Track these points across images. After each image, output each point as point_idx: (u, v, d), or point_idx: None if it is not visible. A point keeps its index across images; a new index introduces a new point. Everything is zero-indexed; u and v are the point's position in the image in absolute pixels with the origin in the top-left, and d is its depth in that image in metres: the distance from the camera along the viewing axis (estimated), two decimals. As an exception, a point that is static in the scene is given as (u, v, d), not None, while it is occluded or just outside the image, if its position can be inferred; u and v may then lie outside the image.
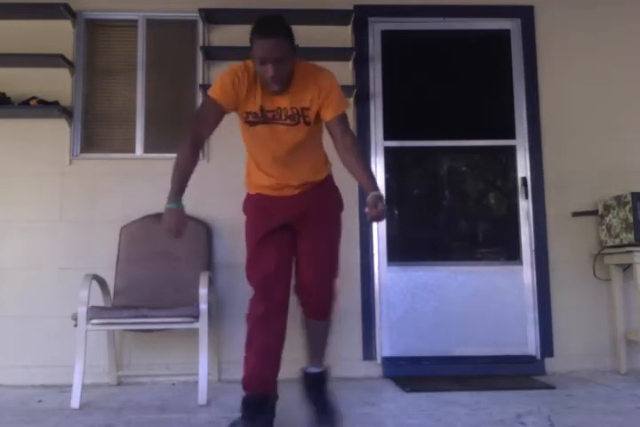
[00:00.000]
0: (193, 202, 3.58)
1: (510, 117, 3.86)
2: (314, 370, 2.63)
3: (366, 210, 2.17)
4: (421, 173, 3.98)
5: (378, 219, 2.18)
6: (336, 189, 2.65)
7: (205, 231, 3.55)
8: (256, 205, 2.56)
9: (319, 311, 2.52)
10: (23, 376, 3.44)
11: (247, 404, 2.35)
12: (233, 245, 3.60)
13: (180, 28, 3.84)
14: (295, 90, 2.38)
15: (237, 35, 3.78)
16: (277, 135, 2.41)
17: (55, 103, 3.62)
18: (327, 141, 2.53)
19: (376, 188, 2.27)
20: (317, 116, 2.43)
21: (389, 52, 3.90)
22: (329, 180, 2.63)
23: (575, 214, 3.72)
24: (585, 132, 3.82)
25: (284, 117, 2.39)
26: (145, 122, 3.73)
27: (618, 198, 3.50)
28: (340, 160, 2.44)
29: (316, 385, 2.62)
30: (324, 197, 2.57)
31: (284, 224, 2.51)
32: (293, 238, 2.53)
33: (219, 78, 2.41)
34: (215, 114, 2.41)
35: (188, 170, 2.49)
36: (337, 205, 2.62)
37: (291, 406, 2.83)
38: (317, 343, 2.61)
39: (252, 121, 2.41)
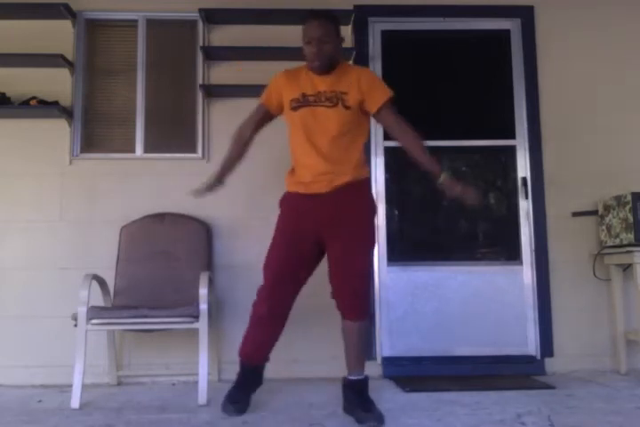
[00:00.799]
0: (193, 202, 3.61)
1: (510, 117, 3.86)
2: (355, 377, 2.71)
3: (454, 193, 2.57)
4: (421, 173, 3.95)
5: (470, 199, 2.58)
6: (369, 194, 2.76)
7: (205, 231, 3.55)
8: (290, 202, 2.73)
9: (352, 312, 2.65)
10: (23, 376, 3.44)
11: (241, 368, 2.78)
12: (233, 246, 3.60)
13: (180, 28, 3.84)
14: (336, 76, 2.66)
15: (237, 35, 3.79)
16: (318, 117, 2.63)
17: (55, 103, 3.62)
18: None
19: (442, 170, 2.60)
20: (359, 104, 2.64)
21: (389, 52, 3.90)
22: (365, 183, 2.75)
23: (575, 214, 3.73)
24: (585, 132, 3.82)
25: (323, 99, 2.63)
26: (145, 122, 3.73)
27: (618, 198, 3.50)
28: (400, 143, 2.72)
29: (357, 392, 2.68)
30: (357, 198, 2.68)
31: (311, 229, 2.64)
32: (319, 247, 2.69)
33: (268, 85, 2.81)
34: (262, 114, 2.81)
35: (238, 151, 2.83)
36: (370, 208, 2.73)
37: (291, 405, 2.84)
38: (354, 348, 2.70)
39: (295, 106, 2.67)
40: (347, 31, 3.82)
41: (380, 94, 2.66)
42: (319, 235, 2.65)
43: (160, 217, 3.58)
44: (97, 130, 3.75)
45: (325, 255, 2.72)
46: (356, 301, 2.64)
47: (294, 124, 2.69)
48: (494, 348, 3.64)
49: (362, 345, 2.74)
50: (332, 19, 2.69)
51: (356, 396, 2.67)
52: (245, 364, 2.79)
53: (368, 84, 2.65)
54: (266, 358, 2.81)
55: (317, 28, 2.62)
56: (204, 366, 2.91)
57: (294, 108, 2.66)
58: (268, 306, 2.66)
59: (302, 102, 2.65)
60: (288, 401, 2.93)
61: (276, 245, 2.70)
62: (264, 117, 2.82)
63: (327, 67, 2.65)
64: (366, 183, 2.76)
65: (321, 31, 2.61)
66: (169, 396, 3.11)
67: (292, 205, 2.71)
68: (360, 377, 2.71)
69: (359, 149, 2.70)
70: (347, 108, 2.62)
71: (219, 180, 2.82)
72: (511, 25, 3.92)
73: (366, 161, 2.76)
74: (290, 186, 2.74)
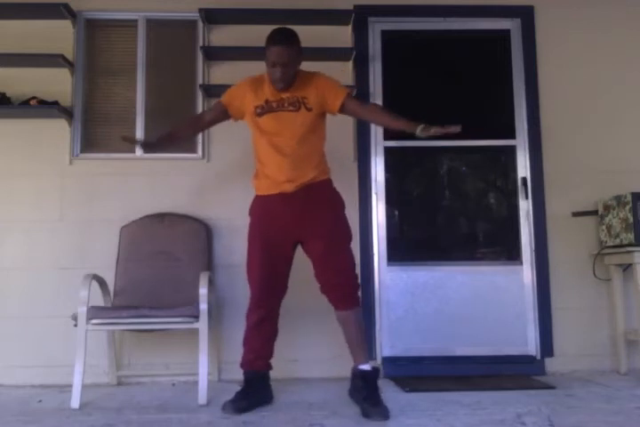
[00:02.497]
0: (193, 202, 3.62)
1: (510, 117, 3.86)
2: (363, 367, 2.78)
3: (442, 130, 2.64)
4: (421, 173, 3.98)
5: (448, 129, 2.63)
6: (335, 190, 2.90)
7: (205, 231, 3.55)
8: (261, 207, 2.86)
9: (344, 303, 2.78)
10: (23, 376, 3.44)
11: (245, 379, 2.86)
12: (233, 246, 3.60)
13: (179, 28, 3.83)
14: (296, 86, 2.81)
15: (237, 35, 3.79)
16: (282, 121, 2.78)
17: (55, 103, 3.62)
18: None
19: (416, 124, 2.69)
20: (320, 107, 2.81)
21: (389, 52, 3.90)
22: (327, 182, 2.89)
23: (575, 214, 3.72)
24: (585, 133, 3.82)
25: (286, 104, 2.79)
26: (145, 122, 3.73)
27: (618, 198, 3.50)
28: (373, 122, 2.97)
29: (366, 382, 2.74)
30: (324, 196, 2.84)
31: (287, 231, 2.79)
32: (295, 246, 2.85)
33: (230, 87, 2.93)
34: (217, 112, 2.97)
35: (178, 130, 3.01)
36: (339, 204, 2.88)
37: (291, 405, 2.84)
38: (355, 337, 2.80)
39: (259, 112, 2.81)
40: (347, 31, 3.82)
41: (338, 92, 2.83)
42: (295, 235, 2.81)
43: (160, 217, 3.58)
44: (97, 130, 3.75)
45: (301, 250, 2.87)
46: (346, 291, 2.78)
47: (259, 129, 2.83)
48: (494, 348, 3.64)
49: (362, 333, 2.83)
50: (293, 40, 2.77)
51: (365, 387, 2.72)
52: (249, 373, 2.85)
53: (324, 87, 2.83)
54: (268, 365, 2.88)
55: (282, 54, 2.70)
56: (204, 366, 2.91)
57: (259, 115, 2.81)
58: (262, 313, 2.82)
59: (266, 109, 2.80)
60: (288, 401, 2.93)
61: (255, 252, 2.84)
62: (219, 115, 2.97)
63: (289, 84, 2.79)
64: (329, 183, 2.90)
65: (286, 56, 2.71)
66: (169, 396, 3.11)
67: (263, 209, 2.85)
68: (369, 368, 2.78)
69: (319, 151, 2.88)
70: (309, 110, 2.79)
71: (151, 143, 2.99)
72: (511, 25, 3.92)
73: (327, 165, 2.92)
74: (258, 189, 2.89)
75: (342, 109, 2.84)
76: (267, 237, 2.82)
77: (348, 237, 2.86)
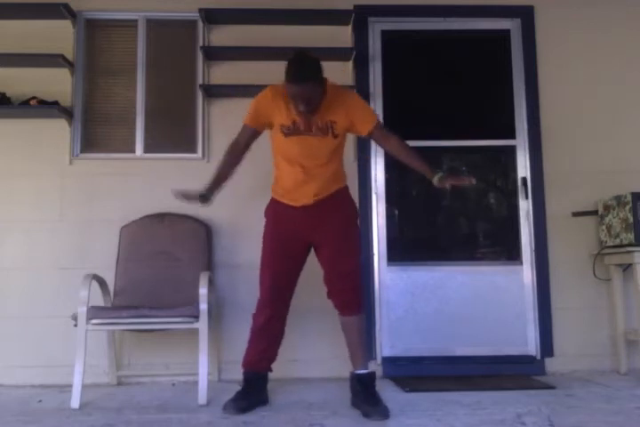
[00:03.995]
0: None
1: (510, 117, 3.86)
2: (360, 371, 2.80)
3: (451, 183, 2.65)
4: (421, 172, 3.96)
5: (464, 180, 2.65)
6: (350, 198, 2.93)
7: (205, 231, 3.55)
8: (277, 211, 2.87)
9: (348, 309, 2.80)
10: (23, 376, 3.44)
11: (245, 379, 2.85)
12: (233, 246, 3.60)
13: (179, 28, 3.83)
14: (325, 108, 2.69)
15: (237, 35, 3.80)
16: (308, 146, 2.72)
17: (55, 103, 3.62)
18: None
19: (435, 170, 2.72)
20: (345, 130, 2.77)
21: (389, 52, 3.90)
22: (344, 190, 2.90)
23: (575, 214, 3.72)
24: (585, 132, 3.82)
25: (314, 129, 2.71)
26: (145, 122, 3.73)
27: (618, 198, 3.50)
28: (394, 156, 2.87)
29: (364, 386, 2.77)
30: (340, 204, 2.86)
31: (299, 235, 2.81)
32: (308, 250, 2.87)
33: (252, 103, 2.80)
34: (248, 136, 2.85)
35: (225, 170, 2.89)
36: (353, 212, 2.91)
37: (291, 405, 2.84)
38: (355, 343, 2.82)
39: (286, 133, 2.73)
40: (347, 31, 3.82)
41: (369, 120, 2.78)
42: (308, 240, 2.83)
43: (160, 217, 3.58)
44: (97, 130, 3.75)
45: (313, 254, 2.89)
46: (350, 298, 2.79)
47: (283, 148, 2.78)
48: (494, 348, 3.64)
49: (363, 339, 2.85)
50: (315, 76, 2.57)
51: (363, 390, 2.75)
52: (249, 373, 2.85)
53: (356, 111, 2.75)
54: (269, 367, 2.88)
55: (304, 92, 2.56)
56: (204, 366, 2.91)
57: (285, 135, 2.73)
58: (268, 314, 2.81)
59: (293, 130, 2.72)
60: (288, 401, 2.93)
61: (269, 255, 2.84)
62: (251, 137, 2.86)
63: (317, 108, 2.68)
64: (346, 190, 2.91)
65: (308, 94, 2.58)
66: (169, 396, 3.11)
67: (279, 212, 2.86)
68: (366, 371, 2.80)
69: (340, 164, 2.88)
70: (335, 136, 2.74)
71: (207, 195, 2.82)
72: (511, 25, 3.92)
73: (344, 172, 2.93)
74: (275, 194, 2.89)
75: (367, 136, 2.84)
76: (279, 239, 2.83)
77: (358, 244, 2.87)
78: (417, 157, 2.79)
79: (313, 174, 2.76)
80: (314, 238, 2.82)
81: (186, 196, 2.77)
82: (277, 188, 2.88)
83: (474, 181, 2.66)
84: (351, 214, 2.90)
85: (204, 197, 2.80)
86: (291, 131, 2.72)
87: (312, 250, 2.90)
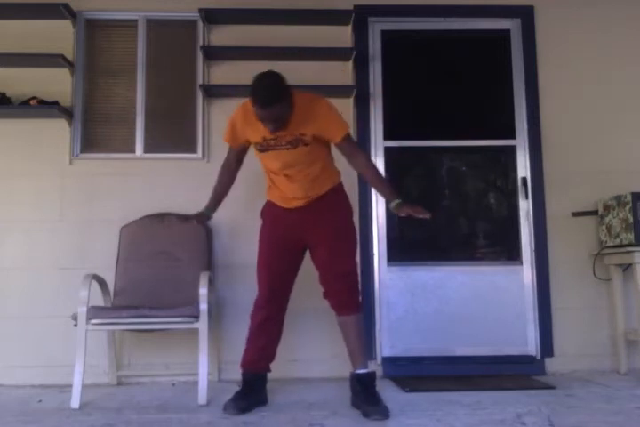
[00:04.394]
0: (193, 202, 3.60)
1: (510, 117, 3.86)
2: (360, 371, 2.80)
3: (405, 214, 2.68)
4: (421, 173, 3.97)
5: (420, 213, 2.66)
6: (344, 196, 2.93)
7: (205, 231, 3.55)
8: (272, 212, 2.91)
9: (345, 309, 2.80)
10: (23, 376, 3.44)
11: (244, 379, 2.86)
12: (233, 246, 3.60)
13: (179, 28, 3.83)
14: (293, 122, 2.68)
15: (237, 35, 3.80)
16: (283, 158, 2.75)
17: (55, 103, 3.62)
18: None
19: (396, 196, 2.73)
20: (316, 138, 2.73)
21: (389, 52, 3.90)
22: (338, 188, 2.90)
23: (575, 214, 3.72)
24: (585, 133, 3.82)
25: (284, 143, 2.72)
26: (145, 122, 3.73)
27: (618, 198, 3.50)
28: (358, 174, 2.91)
29: (363, 386, 2.76)
30: (334, 203, 2.86)
31: (294, 235, 2.83)
32: (304, 250, 2.88)
33: (227, 123, 2.87)
34: (235, 154, 2.95)
35: (220, 189, 3.00)
36: (347, 210, 2.91)
37: (291, 405, 2.84)
38: (353, 343, 2.82)
39: (260, 149, 2.78)
40: (347, 31, 3.82)
41: (337, 132, 2.75)
42: (303, 240, 2.84)
43: (160, 217, 3.58)
44: (97, 130, 3.75)
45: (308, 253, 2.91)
46: (346, 298, 2.79)
47: (263, 161, 2.85)
48: (494, 348, 3.64)
49: (361, 338, 2.84)
50: (281, 98, 2.56)
51: (363, 390, 2.74)
52: (248, 374, 2.86)
53: (324, 123, 2.71)
54: (268, 367, 2.89)
55: (271, 114, 2.58)
56: (204, 366, 2.91)
57: (260, 150, 2.79)
58: (266, 313, 2.83)
59: (265, 146, 2.76)
60: (288, 401, 2.93)
61: (265, 255, 2.87)
62: (239, 154, 2.94)
63: (285, 126, 2.67)
64: (339, 187, 2.91)
65: (275, 115, 2.59)
66: (169, 396, 3.11)
67: (274, 214, 2.89)
68: (365, 371, 2.80)
69: (327, 165, 2.86)
70: (306, 145, 2.73)
71: (206, 214, 2.95)
72: (511, 25, 3.92)
73: (335, 169, 2.93)
74: (269, 196, 2.94)
75: (335, 145, 2.81)
76: (275, 241, 2.85)
77: (353, 244, 2.88)
78: (380, 178, 2.81)
79: (299, 179, 2.78)
80: (308, 239, 2.83)
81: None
82: (270, 192, 2.92)
83: (428, 216, 2.68)
84: (345, 213, 2.90)
85: (203, 216, 2.92)
86: (264, 147, 2.76)
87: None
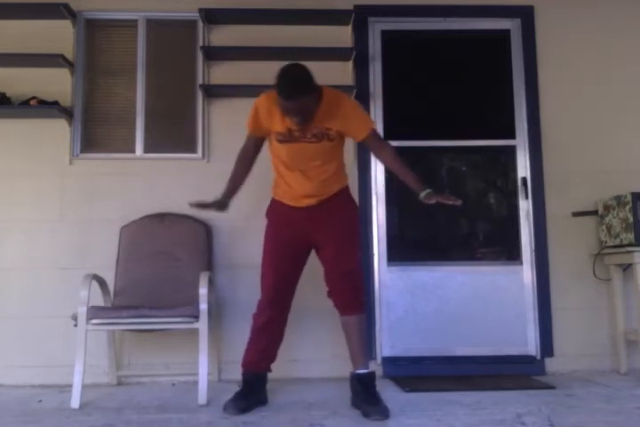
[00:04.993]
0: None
1: (510, 117, 3.86)
2: (361, 371, 2.80)
3: (434, 201, 2.67)
4: (421, 172, 3.95)
5: (450, 200, 2.65)
6: (351, 198, 2.95)
7: (205, 231, 3.55)
8: (278, 211, 2.89)
9: (349, 308, 2.80)
10: (23, 376, 3.44)
11: (244, 379, 2.85)
12: (233, 246, 3.60)
13: (180, 28, 3.83)
14: (320, 116, 2.68)
15: (237, 35, 3.80)
16: (304, 151, 2.74)
17: (55, 103, 3.62)
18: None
19: (424, 185, 2.72)
20: (340, 135, 2.77)
21: (389, 52, 3.90)
22: (346, 190, 2.93)
23: (575, 214, 3.72)
24: (585, 133, 3.82)
25: (309, 136, 2.72)
26: (145, 122, 3.73)
27: (618, 198, 3.50)
28: (385, 166, 2.96)
29: (363, 386, 2.77)
30: (341, 204, 2.88)
31: (301, 236, 2.83)
32: (309, 250, 2.88)
33: (250, 111, 2.80)
34: (255, 141, 2.89)
35: (237, 176, 2.93)
36: (354, 211, 2.93)
37: (291, 405, 2.84)
38: (355, 343, 2.83)
39: (281, 140, 2.75)
40: (347, 31, 3.82)
41: (363, 128, 2.78)
42: (310, 240, 2.84)
43: (160, 217, 3.58)
44: (97, 130, 3.75)
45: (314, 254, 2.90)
46: (350, 297, 2.80)
47: (279, 154, 2.81)
48: (494, 348, 3.64)
49: (363, 338, 2.85)
50: (307, 91, 2.55)
51: (363, 390, 2.75)
52: (248, 374, 2.85)
53: (351, 119, 2.74)
54: (269, 368, 2.88)
55: (296, 107, 2.56)
56: (204, 366, 2.91)
57: (281, 142, 2.76)
58: (269, 314, 2.83)
59: (287, 137, 2.73)
60: (288, 401, 2.93)
61: (271, 256, 2.86)
62: (257, 144, 2.91)
63: (312, 119, 2.67)
64: (347, 190, 2.94)
65: (301, 108, 2.58)
66: (169, 396, 3.11)
67: (280, 213, 2.88)
68: (366, 371, 2.80)
69: (340, 166, 2.89)
70: (331, 140, 2.75)
71: (224, 202, 2.87)
72: (511, 25, 3.92)
73: (344, 172, 2.95)
74: (276, 195, 2.91)
75: (361, 142, 2.87)
76: (280, 241, 2.85)
77: (357, 244, 2.88)
78: (408, 170, 2.81)
79: (312, 176, 2.78)
80: (316, 239, 2.83)
81: (202, 205, 2.82)
82: (278, 190, 2.90)
83: (459, 203, 2.66)
84: (353, 215, 2.91)
85: (221, 204, 2.85)
86: (286, 138, 2.74)
87: (312, 250, 2.90)
